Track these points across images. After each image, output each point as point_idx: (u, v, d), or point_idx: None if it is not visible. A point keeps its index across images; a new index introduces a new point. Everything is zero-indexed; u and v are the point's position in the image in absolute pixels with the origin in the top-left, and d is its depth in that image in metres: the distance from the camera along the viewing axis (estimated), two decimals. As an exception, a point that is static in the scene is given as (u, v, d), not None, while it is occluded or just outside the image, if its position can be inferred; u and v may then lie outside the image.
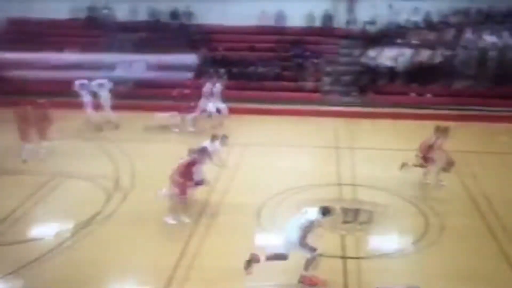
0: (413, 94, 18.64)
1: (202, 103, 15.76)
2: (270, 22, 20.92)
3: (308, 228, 8.15)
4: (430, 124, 16.26)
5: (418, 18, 20.18)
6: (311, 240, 8.29)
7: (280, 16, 20.94)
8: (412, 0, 20.06)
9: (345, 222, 10.72)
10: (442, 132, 12.05)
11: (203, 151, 10.66)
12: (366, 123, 17.05)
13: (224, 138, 11.41)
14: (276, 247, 8.52)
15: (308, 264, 8.38)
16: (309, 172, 12.77)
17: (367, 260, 9.32)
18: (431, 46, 18.89)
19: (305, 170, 12.93)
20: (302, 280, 8.54)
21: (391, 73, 18.84)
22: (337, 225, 10.50)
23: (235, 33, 20.71)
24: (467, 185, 12.52)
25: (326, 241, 9.89)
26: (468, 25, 19.61)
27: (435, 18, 20.22)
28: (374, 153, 14.43)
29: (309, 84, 18.98)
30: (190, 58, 18.37)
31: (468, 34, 19.21)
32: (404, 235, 10.33)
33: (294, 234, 8.20)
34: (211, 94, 15.86)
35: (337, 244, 9.90)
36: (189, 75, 18.08)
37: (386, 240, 10.33)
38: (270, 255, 8.39)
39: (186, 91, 15.73)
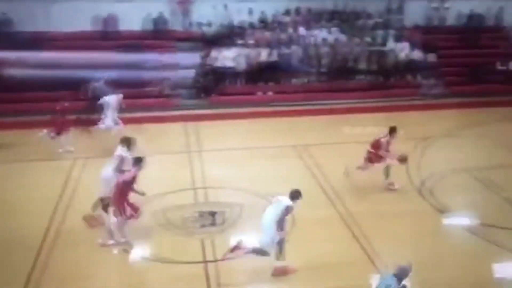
0: (259, 93, 19.11)
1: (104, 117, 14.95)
2: (103, 26, 20.00)
3: (284, 214, 8.64)
4: (277, 122, 17.18)
5: (253, 18, 20.73)
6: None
7: (113, 19, 20.08)
8: (246, 1, 20.54)
9: (202, 226, 10.61)
10: (392, 131, 12.27)
11: (137, 161, 9.71)
12: (214, 125, 17.11)
13: (130, 142, 10.52)
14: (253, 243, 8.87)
15: (278, 252, 8.81)
16: (161, 179, 12.45)
17: (228, 262, 9.29)
18: (267, 45, 19.54)
19: (157, 177, 12.57)
20: (274, 272, 8.94)
21: (233, 74, 19.15)
22: (195, 230, 10.42)
23: (67, 40, 19.45)
24: (315, 175, 13.16)
25: (185, 247, 9.82)
26: (300, 23, 20.63)
27: (269, 18, 20.93)
28: (226, 154, 14.54)
29: (153, 89, 18.52)
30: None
31: (302, 32, 20.21)
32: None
33: (271, 225, 8.59)
34: (109, 107, 15.03)
35: (197, 249, 9.83)
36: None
37: (245, 240, 10.36)
38: (255, 249, 8.78)
39: (66, 104, 14.35)
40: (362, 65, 19.79)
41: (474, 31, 21.78)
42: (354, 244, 10.16)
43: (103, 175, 9.85)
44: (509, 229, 10.60)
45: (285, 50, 19.47)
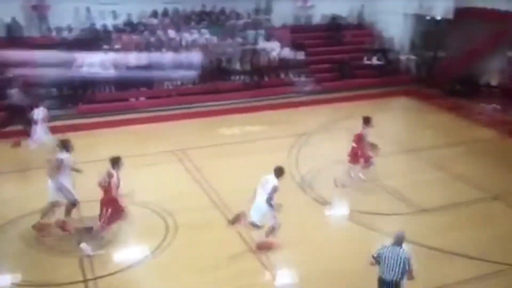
0: (132, 99, 18.40)
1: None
2: None
3: (274, 192, 9.46)
4: (152, 128, 16.64)
5: (118, 21, 19.97)
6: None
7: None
8: (110, 4, 19.73)
9: (79, 243, 9.87)
10: (366, 121, 12.34)
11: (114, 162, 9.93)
12: (84, 135, 16.07)
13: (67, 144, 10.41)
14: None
15: (271, 231, 9.72)
16: (30, 198, 11.45)
17: (110, 277, 8.75)
18: (136, 49, 18.90)
19: (24, 196, 11.58)
20: (259, 247, 9.78)
21: (101, 80, 18.22)
22: (72, 248, 9.70)
23: None
24: (197, 179, 12.92)
25: (61, 267, 9.12)
26: (169, 25, 20.24)
27: (135, 21, 20.30)
28: (100, 165, 13.65)
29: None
30: None
31: (172, 34, 19.82)
32: (146, 241, 10.17)
33: (263, 204, 9.49)
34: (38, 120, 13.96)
35: (75, 268, 9.24)
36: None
37: (127, 252, 9.94)
38: (251, 223, 9.66)
39: None
40: (236, 66, 19.83)
41: (337, 29, 22.75)
42: (242, 246, 10.05)
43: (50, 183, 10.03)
44: (384, 214, 11.10)
45: (156, 54, 18.92)
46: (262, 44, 20.52)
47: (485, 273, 9.34)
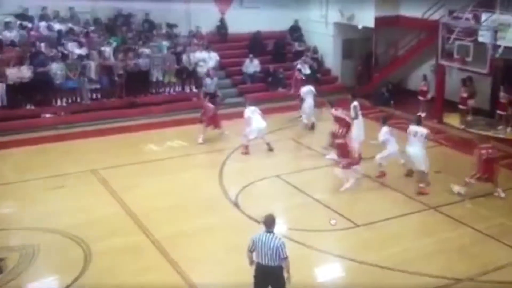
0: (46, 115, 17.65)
1: None
2: None
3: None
4: (64, 146, 15.92)
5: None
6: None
7: None
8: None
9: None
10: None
11: None
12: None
13: None
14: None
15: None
16: None
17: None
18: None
19: None
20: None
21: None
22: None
23: None
24: (117, 201, 12.47)
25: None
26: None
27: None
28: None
29: None
30: None
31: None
32: (62, 273, 9.62)
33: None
34: None
35: None
36: None
37: (44, 283, 9.43)
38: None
39: None
40: (159, 77, 19.69)
41: (260, 38, 22.93)
42: (169, 269, 9.72)
43: None
44: (318, 231, 11.08)
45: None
46: (198, 54, 20.33)
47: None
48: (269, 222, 7.81)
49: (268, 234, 7.74)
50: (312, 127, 17.58)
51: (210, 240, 10.76)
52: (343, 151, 13.23)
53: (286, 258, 7.72)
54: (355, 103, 15.04)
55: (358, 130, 14.66)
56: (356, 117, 14.72)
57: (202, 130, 16.27)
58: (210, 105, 16.43)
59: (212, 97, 17.89)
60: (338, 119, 14.44)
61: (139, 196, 12.69)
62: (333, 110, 14.77)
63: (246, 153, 15.40)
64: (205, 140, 16.26)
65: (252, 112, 15.47)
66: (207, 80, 19.16)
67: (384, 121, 13.74)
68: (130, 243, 10.62)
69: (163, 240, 10.61)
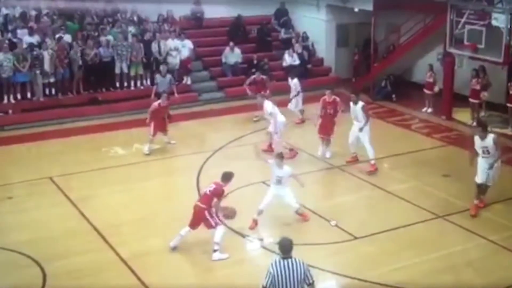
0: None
1: None
2: None
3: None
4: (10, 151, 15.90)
5: None
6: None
7: None
8: None
9: None
10: None
11: None
12: None
13: None
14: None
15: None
16: None
17: None
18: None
19: None
20: None
21: None
22: None
23: None
24: (80, 213, 12.52)
25: None
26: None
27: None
28: None
29: None
30: None
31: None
32: None
33: None
34: None
35: None
36: None
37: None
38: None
39: None
40: (124, 70, 19.76)
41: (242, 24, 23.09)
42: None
43: None
44: (311, 244, 11.19)
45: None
46: (170, 42, 20.42)
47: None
48: (286, 247, 7.39)
49: (288, 261, 7.29)
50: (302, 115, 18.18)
51: (185, 258, 10.82)
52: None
53: (313, 283, 7.38)
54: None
55: None
56: (366, 121, 14.58)
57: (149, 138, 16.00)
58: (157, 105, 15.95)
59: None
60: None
61: (102, 207, 12.74)
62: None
63: (293, 156, 15.27)
64: (183, 139, 16.35)
65: (273, 107, 15.52)
66: (158, 78, 18.60)
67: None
68: (92, 262, 10.64)
69: (130, 259, 10.65)
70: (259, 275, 7.60)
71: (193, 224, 10.71)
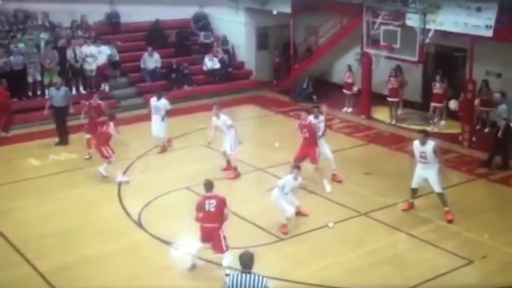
0: None
1: None
2: None
3: None
4: None
5: None
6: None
7: None
8: None
9: None
10: None
11: None
12: None
13: None
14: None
15: None
16: None
17: None
18: None
19: None
20: None
21: None
22: None
23: None
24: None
25: None
26: None
27: None
28: None
29: None
30: None
31: None
32: None
33: None
34: None
35: None
36: None
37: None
38: None
39: None
40: (37, 77, 19.31)
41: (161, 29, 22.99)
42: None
43: None
44: (236, 248, 11.14)
45: None
46: (85, 49, 20.08)
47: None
48: (246, 261, 7.34)
49: (248, 276, 7.23)
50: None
51: (110, 270, 10.69)
52: None
53: None
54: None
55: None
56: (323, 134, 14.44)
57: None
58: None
59: (59, 112, 17.05)
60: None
61: (19, 221, 12.47)
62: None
63: (236, 177, 14.83)
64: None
65: (229, 119, 14.88)
66: (52, 91, 17.57)
67: None
68: (8, 277, 10.39)
69: (50, 273, 10.44)
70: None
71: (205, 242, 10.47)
